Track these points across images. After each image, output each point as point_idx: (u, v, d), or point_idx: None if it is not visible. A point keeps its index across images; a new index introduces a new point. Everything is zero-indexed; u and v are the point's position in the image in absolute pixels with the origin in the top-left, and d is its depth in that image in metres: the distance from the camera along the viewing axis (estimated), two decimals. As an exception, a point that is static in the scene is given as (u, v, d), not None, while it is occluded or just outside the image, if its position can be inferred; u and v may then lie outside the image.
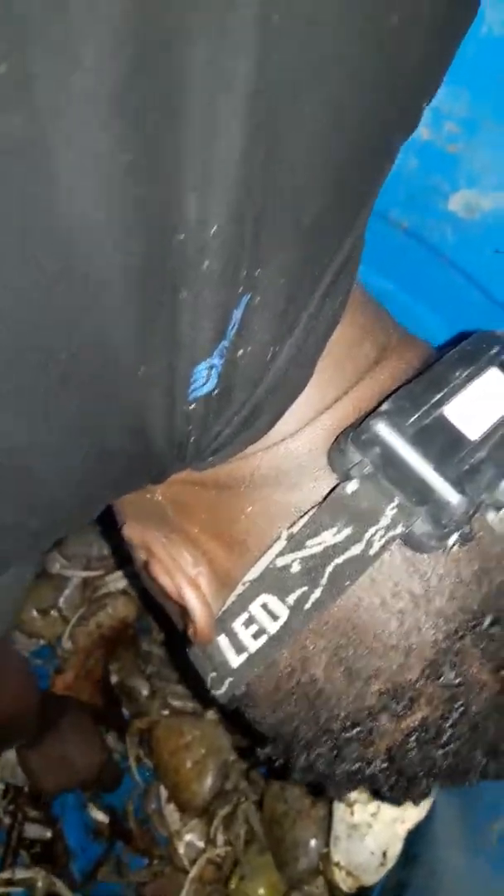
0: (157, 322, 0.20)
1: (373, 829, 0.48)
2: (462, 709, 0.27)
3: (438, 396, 0.26)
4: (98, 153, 0.18)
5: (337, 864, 0.50)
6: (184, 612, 0.31)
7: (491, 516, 0.27)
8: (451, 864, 0.46)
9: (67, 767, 0.57)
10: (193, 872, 0.53)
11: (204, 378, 0.23)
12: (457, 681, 0.26)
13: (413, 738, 0.27)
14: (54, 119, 0.17)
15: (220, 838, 0.55)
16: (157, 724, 0.59)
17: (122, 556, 0.63)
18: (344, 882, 0.50)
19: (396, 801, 0.32)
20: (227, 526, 0.29)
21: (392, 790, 0.30)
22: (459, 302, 0.45)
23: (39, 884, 0.56)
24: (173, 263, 0.20)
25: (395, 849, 0.49)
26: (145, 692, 0.61)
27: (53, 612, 0.63)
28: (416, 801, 0.30)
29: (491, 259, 0.43)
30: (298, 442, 0.28)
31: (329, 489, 0.28)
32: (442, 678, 0.26)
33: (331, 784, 0.31)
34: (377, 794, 0.31)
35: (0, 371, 0.19)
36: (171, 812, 0.56)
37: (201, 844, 0.56)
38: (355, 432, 0.26)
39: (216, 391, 0.23)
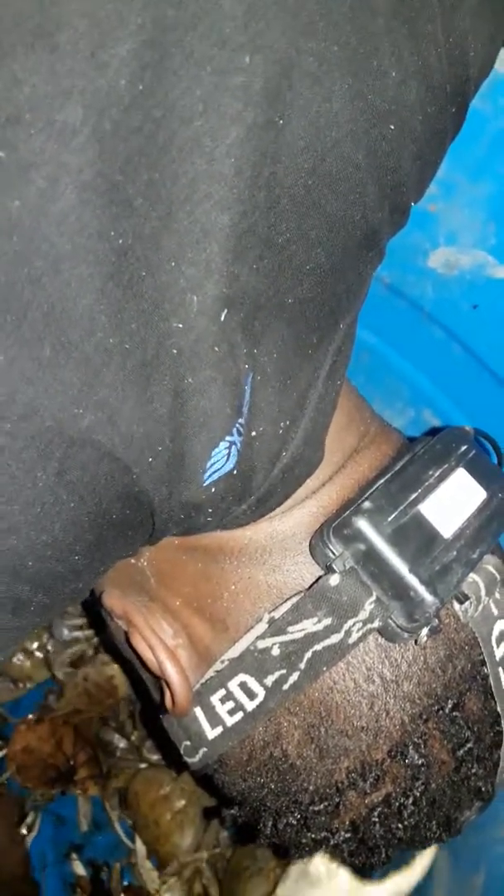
0: (159, 409, 0.22)
1: (321, 886, 0.49)
2: (423, 787, 0.30)
3: (414, 496, 0.29)
4: (90, 236, 0.20)
5: None
6: (161, 682, 0.34)
7: (456, 606, 0.30)
8: None
9: None
10: None
11: (224, 457, 0.24)
12: (420, 761, 0.30)
13: (377, 812, 0.31)
14: (49, 203, 0.19)
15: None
16: (135, 777, 0.60)
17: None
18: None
19: (356, 867, 0.35)
20: (210, 602, 0.32)
21: (353, 857, 0.33)
22: (439, 355, 0.48)
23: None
24: (173, 350, 0.22)
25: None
26: (122, 745, 0.62)
27: (38, 654, 0.63)
28: (375, 868, 0.34)
29: (469, 314, 0.46)
30: (285, 524, 0.31)
31: (307, 574, 0.30)
32: (407, 758, 0.30)
33: (294, 849, 0.34)
34: (338, 858, 0.34)
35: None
36: (149, 870, 0.57)
37: None
38: (337, 525, 0.29)
39: (235, 470, 0.25)
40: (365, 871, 0.33)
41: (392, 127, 0.25)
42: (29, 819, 0.63)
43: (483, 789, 0.31)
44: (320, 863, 0.49)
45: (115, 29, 0.19)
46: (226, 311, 0.22)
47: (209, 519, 0.27)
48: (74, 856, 0.62)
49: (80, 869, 0.62)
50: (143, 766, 0.62)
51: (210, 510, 0.26)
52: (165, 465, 0.23)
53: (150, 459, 0.23)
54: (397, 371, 0.51)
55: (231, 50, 0.21)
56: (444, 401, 0.50)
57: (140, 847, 0.58)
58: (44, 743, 0.62)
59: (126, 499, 0.23)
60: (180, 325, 0.22)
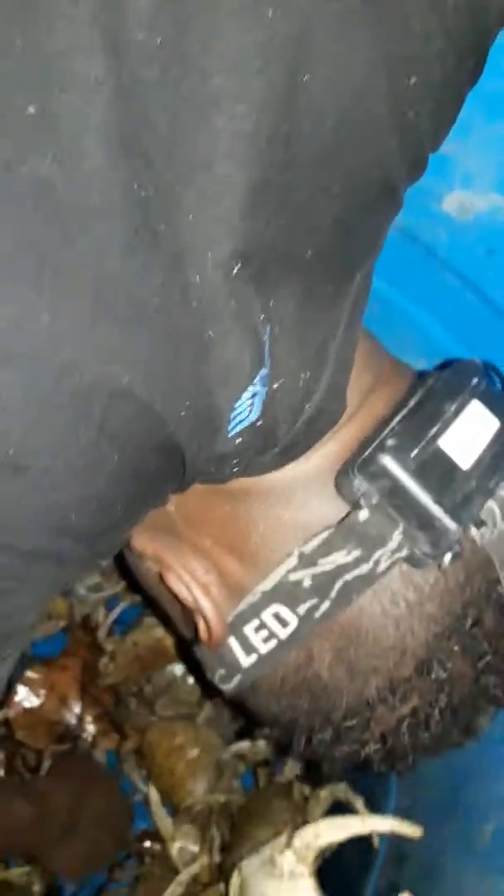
0: (186, 364, 0.24)
1: (278, 881, 0.48)
2: (447, 698, 0.33)
3: (434, 431, 0.32)
4: (116, 191, 0.21)
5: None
6: (192, 617, 0.37)
7: (473, 531, 0.33)
8: (443, 865, 0.52)
9: (92, 859, 0.61)
10: (183, 876, 0.58)
11: (248, 408, 0.26)
12: (444, 675, 0.33)
13: (405, 723, 0.34)
14: (78, 159, 0.20)
15: (217, 840, 0.59)
16: (149, 729, 0.64)
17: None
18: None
19: (382, 776, 0.39)
20: (240, 541, 0.34)
21: (381, 765, 0.37)
22: (453, 302, 0.50)
23: (36, 887, 0.61)
24: (193, 303, 0.23)
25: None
26: (133, 705, 0.66)
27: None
28: (400, 774, 0.37)
29: (484, 260, 0.48)
30: (308, 465, 0.34)
31: (332, 510, 0.33)
32: (432, 673, 0.33)
33: (327, 763, 0.38)
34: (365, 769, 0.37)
35: (42, 415, 0.22)
36: (163, 818, 0.61)
37: (195, 849, 0.59)
38: (361, 463, 0.32)
39: (259, 422, 0.27)
40: (399, 771, 0.36)
41: (414, 80, 0.26)
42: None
43: (499, 696, 0.35)
44: (292, 860, 0.48)
45: None
46: (239, 265, 0.24)
47: (234, 469, 0.29)
48: None
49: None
50: (154, 718, 0.65)
51: (235, 461, 0.28)
52: (194, 417, 0.25)
53: (182, 413, 0.24)
54: (409, 319, 0.53)
55: (253, 3, 0.22)
56: (459, 349, 0.52)
57: (154, 795, 0.61)
58: (46, 700, 0.65)
59: (163, 451, 0.25)
60: (198, 279, 0.23)
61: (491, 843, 0.50)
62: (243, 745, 0.64)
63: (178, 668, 0.67)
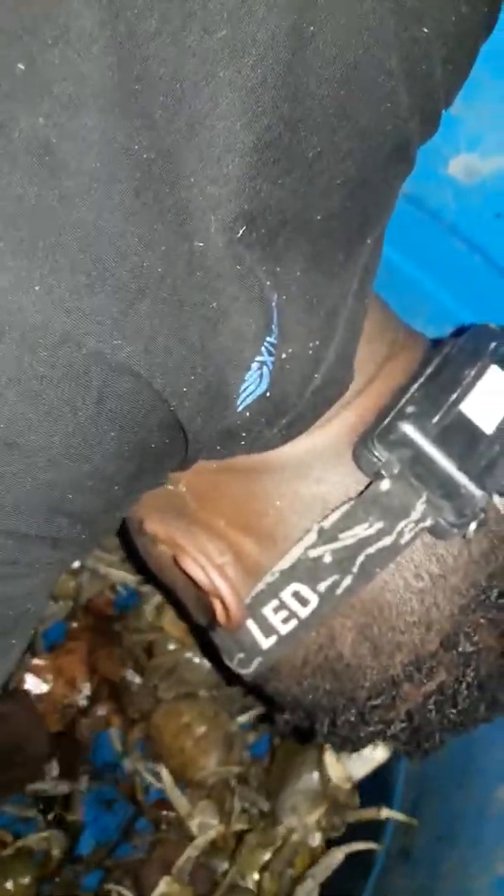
0: (191, 336, 0.23)
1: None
2: (473, 672, 0.33)
3: (454, 396, 0.31)
4: (115, 151, 0.20)
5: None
6: (208, 600, 0.36)
7: (497, 499, 0.32)
8: (456, 831, 0.53)
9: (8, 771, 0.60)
10: (199, 841, 0.58)
11: (257, 378, 0.25)
12: (471, 649, 0.33)
13: (431, 700, 0.34)
14: (73, 118, 0.19)
15: (237, 808, 0.60)
16: (154, 711, 0.64)
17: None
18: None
19: (409, 754, 0.39)
20: (256, 520, 0.34)
21: (407, 745, 0.36)
22: (461, 267, 0.49)
23: (55, 851, 0.63)
24: (198, 272, 0.22)
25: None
26: (137, 682, 0.66)
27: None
28: (427, 753, 0.37)
29: (492, 223, 0.47)
30: (324, 437, 0.33)
31: (352, 483, 0.32)
32: (459, 647, 0.33)
33: (351, 743, 0.37)
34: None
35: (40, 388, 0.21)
36: (178, 797, 0.61)
37: (215, 822, 0.60)
38: (381, 432, 0.31)
39: (268, 392, 0.26)
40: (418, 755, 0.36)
41: (425, 29, 0.25)
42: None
43: None
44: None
45: None
46: (244, 227, 0.23)
47: (242, 443, 0.28)
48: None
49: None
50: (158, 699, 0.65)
51: (243, 434, 0.28)
52: (199, 393, 0.24)
53: (185, 389, 0.24)
54: (417, 286, 0.52)
55: None
56: (468, 316, 0.51)
57: (167, 776, 0.62)
58: (55, 684, 0.65)
59: (163, 428, 0.24)
60: (201, 245, 0.22)
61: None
62: (252, 712, 0.65)
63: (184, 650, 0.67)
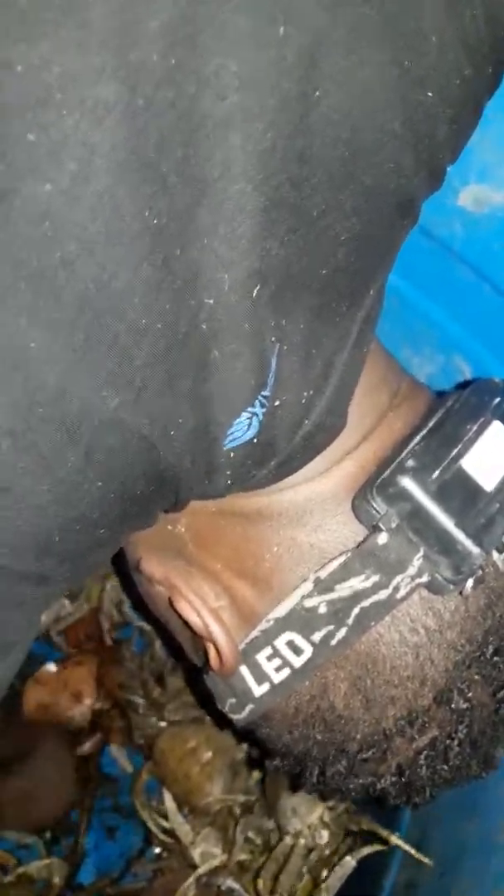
0: (182, 384, 0.24)
1: None
2: (466, 729, 0.33)
3: (455, 452, 0.31)
4: (124, 217, 0.21)
5: None
6: (203, 644, 0.36)
7: (495, 555, 0.32)
8: (461, 862, 0.53)
9: (32, 808, 0.61)
10: (202, 870, 0.58)
11: (245, 426, 0.26)
12: (464, 705, 0.33)
13: (423, 755, 0.34)
14: (82, 185, 0.20)
15: (240, 840, 0.59)
16: (160, 735, 0.64)
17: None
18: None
19: (398, 806, 0.39)
20: (252, 565, 0.34)
21: (397, 798, 0.36)
22: (469, 297, 0.49)
23: (55, 879, 0.63)
24: (202, 326, 0.23)
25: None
26: (143, 703, 0.66)
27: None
28: (416, 807, 0.37)
29: (500, 253, 0.47)
30: (323, 485, 0.33)
31: (349, 533, 0.32)
32: (452, 703, 0.32)
33: (340, 794, 0.37)
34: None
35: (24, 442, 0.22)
36: (181, 824, 0.61)
37: (218, 851, 0.60)
38: (380, 484, 0.31)
39: (256, 439, 0.27)
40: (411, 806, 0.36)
41: (430, 93, 0.25)
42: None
43: None
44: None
45: (146, 2, 0.20)
46: (259, 286, 0.24)
47: (229, 482, 0.29)
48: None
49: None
50: (163, 724, 0.66)
51: (229, 473, 0.28)
52: (185, 436, 0.25)
53: (172, 433, 0.24)
54: (425, 315, 0.52)
55: (264, 22, 0.21)
56: (476, 345, 0.51)
57: (170, 802, 0.62)
58: (60, 696, 0.66)
59: (151, 475, 0.25)
60: (211, 301, 0.23)
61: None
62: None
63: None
